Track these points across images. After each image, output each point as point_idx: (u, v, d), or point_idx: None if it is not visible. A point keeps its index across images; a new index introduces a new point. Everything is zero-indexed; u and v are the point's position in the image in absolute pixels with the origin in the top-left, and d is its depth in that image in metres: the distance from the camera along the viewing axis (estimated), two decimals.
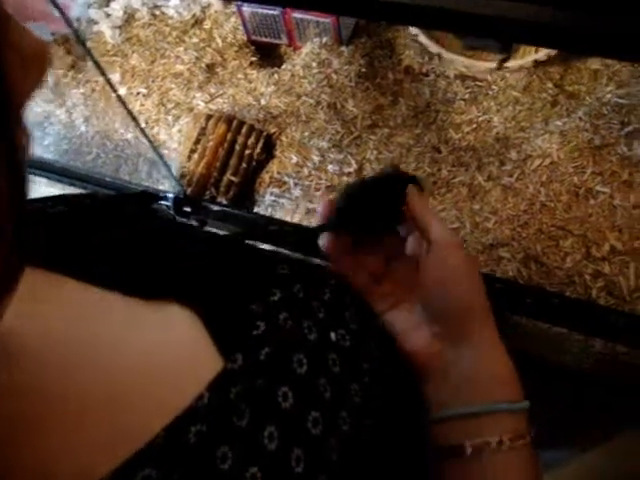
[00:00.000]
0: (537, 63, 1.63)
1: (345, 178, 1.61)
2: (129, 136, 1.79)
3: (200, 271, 0.45)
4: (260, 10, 1.79)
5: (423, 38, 1.72)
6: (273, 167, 1.66)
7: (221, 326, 0.40)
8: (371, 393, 0.48)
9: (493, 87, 1.68)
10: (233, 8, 1.89)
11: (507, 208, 1.46)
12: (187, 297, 0.41)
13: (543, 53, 1.59)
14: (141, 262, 0.44)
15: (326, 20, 1.72)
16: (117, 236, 0.46)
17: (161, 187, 1.69)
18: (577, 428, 1.35)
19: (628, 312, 1.26)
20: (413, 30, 1.74)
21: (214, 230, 1.52)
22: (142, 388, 0.36)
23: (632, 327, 1.13)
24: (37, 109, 1.90)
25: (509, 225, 1.43)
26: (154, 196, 0.55)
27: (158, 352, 0.39)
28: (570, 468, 1.34)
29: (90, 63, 1.93)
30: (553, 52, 1.57)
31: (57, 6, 1.03)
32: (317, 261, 1.47)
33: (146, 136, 1.42)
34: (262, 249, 0.61)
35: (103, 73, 1.14)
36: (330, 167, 1.62)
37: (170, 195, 1.38)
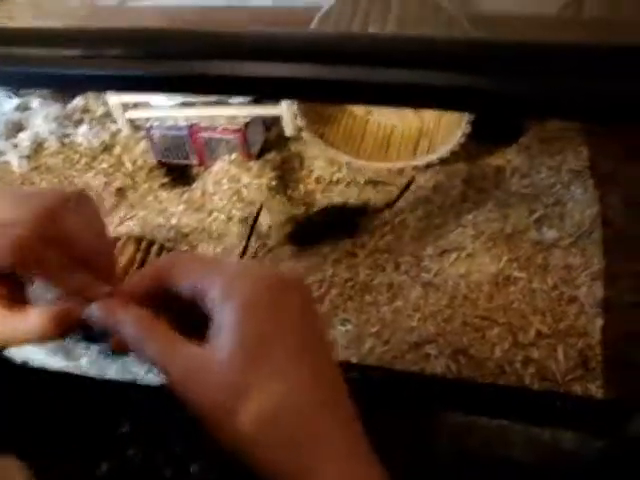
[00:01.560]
0: (442, 161, 1.67)
1: None
2: None
3: (40, 418, 0.41)
4: (168, 132, 1.80)
5: (314, 137, 1.75)
6: None
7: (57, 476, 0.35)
8: None
9: None
10: (142, 133, 1.89)
11: (429, 304, 1.41)
12: (21, 450, 0.35)
13: (444, 151, 1.64)
14: None
15: (233, 137, 1.74)
16: None
17: None
18: None
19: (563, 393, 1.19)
20: (320, 144, 1.77)
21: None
22: None
23: (570, 408, 1.06)
24: None
25: (433, 321, 1.38)
26: None
27: None
28: None
29: None
30: (455, 148, 1.61)
31: None
32: None
33: None
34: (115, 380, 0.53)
35: None
36: None
37: None
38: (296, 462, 0.30)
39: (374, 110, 1.87)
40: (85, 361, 1.54)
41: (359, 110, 1.90)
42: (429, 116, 1.84)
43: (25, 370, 0.49)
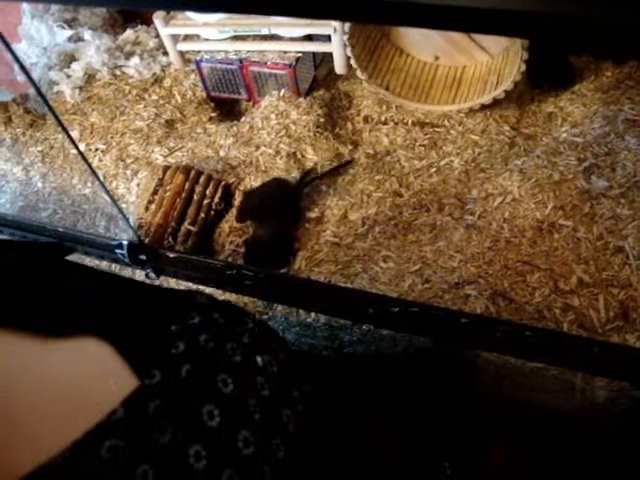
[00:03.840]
0: (493, 104, 1.65)
1: (307, 225, 1.58)
2: (87, 191, 1.76)
3: (110, 305, 0.44)
4: (218, 66, 1.81)
5: (380, 89, 1.75)
6: (233, 216, 1.62)
7: (135, 348, 0.39)
8: (306, 423, 0.46)
9: (451, 132, 1.70)
10: (193, 66, 1.91)
11: (471, 246, 1.43)
12: (97, 329, 0.39)
13: (495, 94, 1.61)
14: (51, 303, 0.42)
15: (283, 72, 1.74)
16: (26, 280, 0.44)
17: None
18: None
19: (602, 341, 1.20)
20: (370, 84, 1.76)
21: (171, 279, 1.47)
22: (43, 406, 0.34)
23: (608, 356, 1.07)
24: None
25: (474, 263, 1.40)
26: (67, 248, 0.53)
27: (64, 376, 0.37)
28: None
29: (49, 122, 1.92)
30: (509, 88, 1.58)
31: (22, 66, 1.01)
32: (279, 309, 1.42)
33: (103, 185, 1.38)
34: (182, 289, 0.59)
35: (64, 128, 1.11)
36: None
37: (124, 242, 1.33)
38: None
39: (442, 55, 1.85)
40: None
41: (427, 57, 1.88)
42: (495, 50, 1.78)
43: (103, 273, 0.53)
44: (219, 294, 1.44)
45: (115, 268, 1.54)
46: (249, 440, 0.39)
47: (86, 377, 0.37)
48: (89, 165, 1.26)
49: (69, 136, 1.18)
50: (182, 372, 0.38)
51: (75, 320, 0.40)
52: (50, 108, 1.18)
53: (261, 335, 0.49)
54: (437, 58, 1.87)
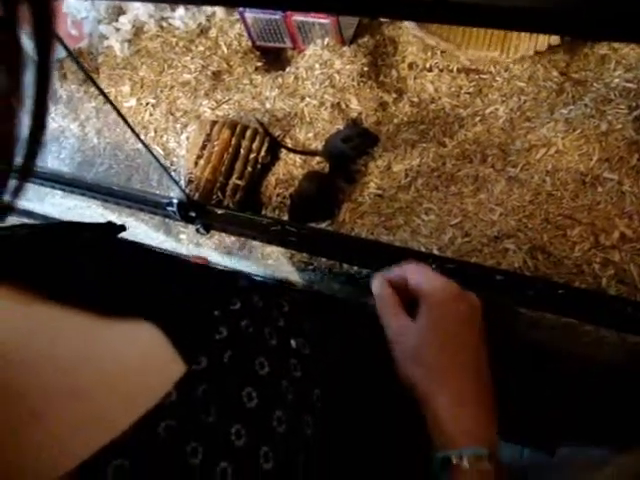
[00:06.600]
0: (542, 51, 1.60)
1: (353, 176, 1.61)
2: (139, 146, 1.82)
3: (160, 288, 0.48)
4: (262, 15, 1.81)
5: (424, 34, 1.71)
6: (279, 169, 1.67)
7: (183, 334, 0.43)
8: (333, 400, 0.51)
9: (497, 78, 1.66)
10: (237, 15, 1.91)
11: (512, 199, 1.43)
12: (148, 312, 0.43)
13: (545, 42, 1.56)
14: (106, 282, 0.46)
15: (326, 21, 1.73)
16: (83, 259, 0.48)
17: (172, 193, 1.72)
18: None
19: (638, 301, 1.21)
20: (414, 26, 1.73)
21: (221, 233, 1.54)
22: (106, 384, 0.38)
23: None
24: (53, 124, 1.96)
25: (514, 216, 1.40)
26: (120, 227, 0.57)
27: (121, 356, 0.40)
28: (606, 470, 1.29)
29: (103, 76, 1.98)
30: (555, 40, 1.54)
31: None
32: (323, 260, 1.48)
33: (145, 145, 1.44)
34: (223, 269, 0.64)
35: (102, 92, 1.16)
36: None
37: (174, 201, 1.40)
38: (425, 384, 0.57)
39: None
40: (184, 237, 1.70)
41: None
42: None
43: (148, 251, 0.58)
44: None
45: (169, 222, 1.62)
46: (282, 419, 0.43)
47: (141, 359, 0.40)
48: (128, 124, 1.31)
49: (104, 95, 1.23)
50: (225, 358, 0.42)
51: (127, 301, 0.44)
52: (85, 72, 1.22)
53: (295, 316, 0.54)
54: None
